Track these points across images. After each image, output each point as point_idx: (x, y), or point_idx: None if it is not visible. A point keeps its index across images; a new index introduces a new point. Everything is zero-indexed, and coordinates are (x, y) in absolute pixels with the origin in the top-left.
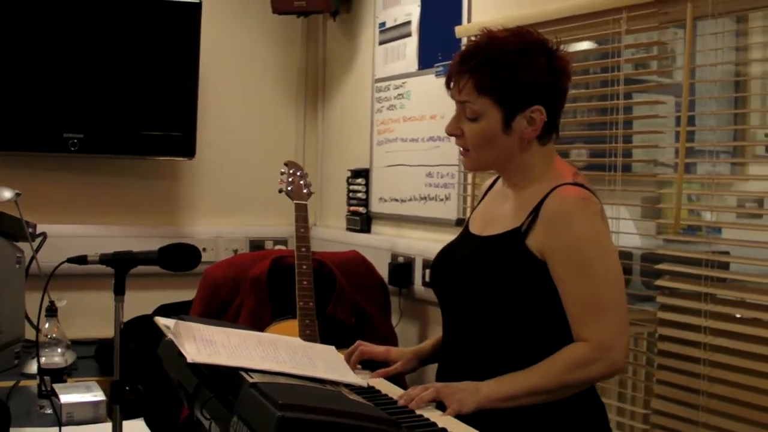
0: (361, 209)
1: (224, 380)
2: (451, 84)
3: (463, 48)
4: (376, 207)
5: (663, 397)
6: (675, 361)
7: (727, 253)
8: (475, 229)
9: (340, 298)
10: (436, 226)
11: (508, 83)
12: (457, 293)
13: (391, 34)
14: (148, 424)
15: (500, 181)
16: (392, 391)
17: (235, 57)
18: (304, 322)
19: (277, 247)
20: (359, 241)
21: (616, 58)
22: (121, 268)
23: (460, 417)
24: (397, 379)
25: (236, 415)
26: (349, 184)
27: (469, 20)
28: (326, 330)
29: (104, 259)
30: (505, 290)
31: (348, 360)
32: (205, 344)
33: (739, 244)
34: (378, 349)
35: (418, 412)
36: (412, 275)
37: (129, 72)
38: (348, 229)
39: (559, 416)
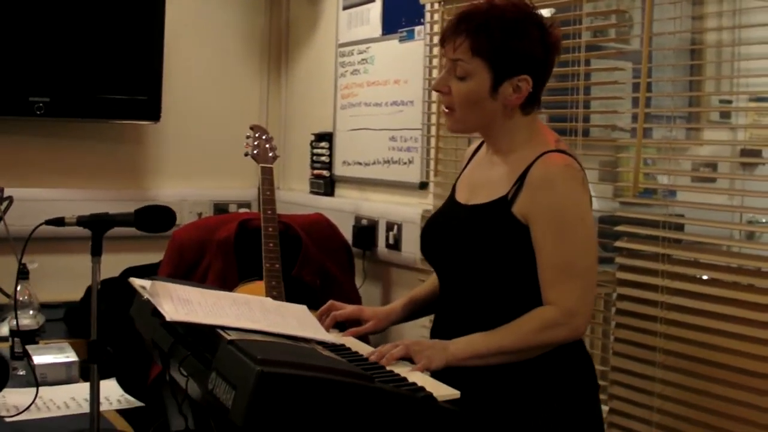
0: (325, 173)
1: (201, 338)
2: (446, 42)
3: (457, 12)
4: (339, 170)
5: (621, 354)
6: (633, 320)
7: (682, 215)
8: (462, 196)
9: (305, 259)
10: (400, 190)
11: (502, 49)
12: (448, 262)
13: None
14: (119, 384)
15: (484, 147)
16: (362, 348)
17: (200, 21)
18: (271, 283)
19: (242, 210)
20: (323, 204)
21: (577, 26)
22: (98, 229)
23: (439, 373)
24: (362, 338)
25: (214, 371)
26: (313, 147)
27: None
28: (292, 291)
29: (82, 221)
30: (495, 258)
31: (320, 319)
32: (182, 303)
33: (694, 206)
34: (350, 309)
35: (388, 368)
36: (376, 237)
37: (95, 36)
38: (312, 192)
39: (549, 370)
